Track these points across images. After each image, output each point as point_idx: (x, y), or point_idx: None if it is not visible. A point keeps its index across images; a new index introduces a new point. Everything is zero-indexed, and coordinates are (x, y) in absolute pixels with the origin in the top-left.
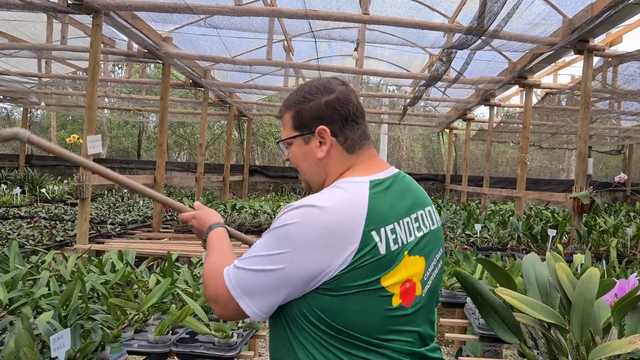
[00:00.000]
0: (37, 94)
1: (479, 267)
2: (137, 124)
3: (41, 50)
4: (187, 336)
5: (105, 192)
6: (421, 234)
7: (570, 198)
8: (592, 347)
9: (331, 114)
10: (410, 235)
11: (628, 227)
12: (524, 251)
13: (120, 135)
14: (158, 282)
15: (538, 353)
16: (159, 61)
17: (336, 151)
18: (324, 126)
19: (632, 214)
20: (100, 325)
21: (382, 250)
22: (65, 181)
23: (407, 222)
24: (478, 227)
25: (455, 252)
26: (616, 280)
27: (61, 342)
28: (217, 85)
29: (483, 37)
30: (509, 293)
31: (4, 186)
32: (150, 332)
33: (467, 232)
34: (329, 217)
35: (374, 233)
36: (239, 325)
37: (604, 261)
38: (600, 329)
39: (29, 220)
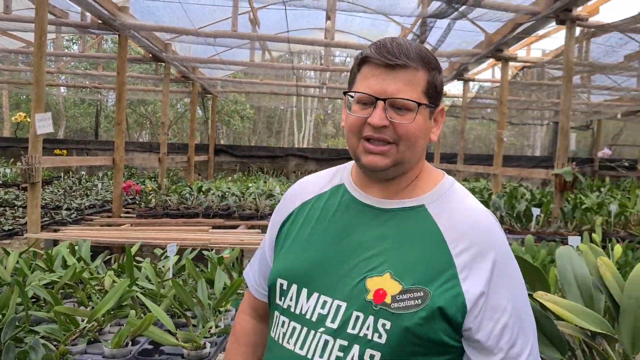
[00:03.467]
0: None
1: None
2: (94, 103)
3: None
4: (151, 346)
5: (62, 174)
6: None
7: (552, 175)
8: None
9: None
10: None
11: (610, 203)
12: (508, 232)
13: (77, 115)
14: (115, 281)
15: None
16: (114, 33)
17: None
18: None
19: (602, 189)
20: (44, 341)
21: None
22: (19, 163)
23: None
24: None
25: None
26: None
27: None
28: (179, 59)
29: (465, 6)
30: (550, 298)
31: None
32: (105, 343)
33: None
34: None
35: None
36: (212, 331)
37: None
38: None
39: None
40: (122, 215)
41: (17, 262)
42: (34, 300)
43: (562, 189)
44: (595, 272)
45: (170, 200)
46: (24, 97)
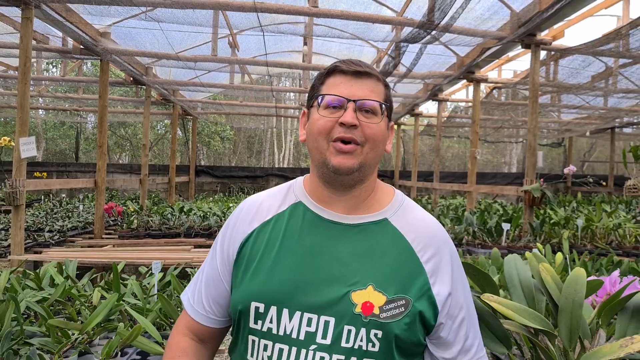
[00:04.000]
0: None
1: None
2: (74, 125)
3: None
4: (139, 357)
5: (42, 197)
6: None
7: (522, 191)
8: (581, 352)
9: None
10: None
11: (577, 218)
12: (480, 246)
13: (56, 137)
14: (103, 297)
15: None
16: (96, 58)
17: None
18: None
19: (574, 204)
20: (38, 351)
21: None
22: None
23: None
24: None
25: None
26: (604, 280)
27: None
28: (160, 82)
29: (435, 31)
30: (495, 299)
31: None
32: (96, 354)
33: None
34: None
35: None
36: None
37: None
38: (589, 333)
39: None
40: (104, 236)
41: (9, 280)
42: (25, 316)
43: (531, 205)
44: (537, 276)
45: (152, 221)
46: (1, 119)
